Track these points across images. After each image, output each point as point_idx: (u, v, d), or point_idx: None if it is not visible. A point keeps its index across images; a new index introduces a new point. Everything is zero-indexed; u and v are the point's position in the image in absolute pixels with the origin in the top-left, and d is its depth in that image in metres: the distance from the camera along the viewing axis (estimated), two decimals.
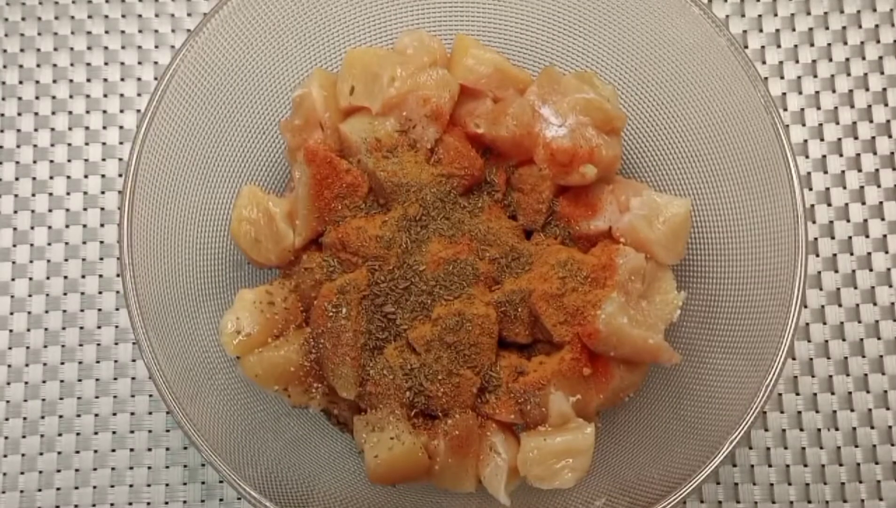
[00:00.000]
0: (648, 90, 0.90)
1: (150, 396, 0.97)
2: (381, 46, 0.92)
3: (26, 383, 0.98)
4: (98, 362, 0.98)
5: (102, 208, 1.01)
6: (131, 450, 0.96)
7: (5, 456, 0.96)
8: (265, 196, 0.86)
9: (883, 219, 1.00)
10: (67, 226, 1.01)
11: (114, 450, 0.96)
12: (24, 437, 0.97)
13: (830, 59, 1.04)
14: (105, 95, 1.03)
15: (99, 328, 0.99)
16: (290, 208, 0.86)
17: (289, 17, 0.88)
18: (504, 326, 0.83)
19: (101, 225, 1.01)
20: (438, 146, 0.84)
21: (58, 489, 0.96)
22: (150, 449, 0.96)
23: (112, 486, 0.96)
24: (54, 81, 1.04)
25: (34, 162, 1.02)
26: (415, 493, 0.86)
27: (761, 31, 1.05)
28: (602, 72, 0.91)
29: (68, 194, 1.01)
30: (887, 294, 0.99)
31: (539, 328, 0.83)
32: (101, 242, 1.01)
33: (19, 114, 1.03)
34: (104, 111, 1.03)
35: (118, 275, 1.00)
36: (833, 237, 1.00)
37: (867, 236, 1.00)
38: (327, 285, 0.82)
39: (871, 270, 0.99)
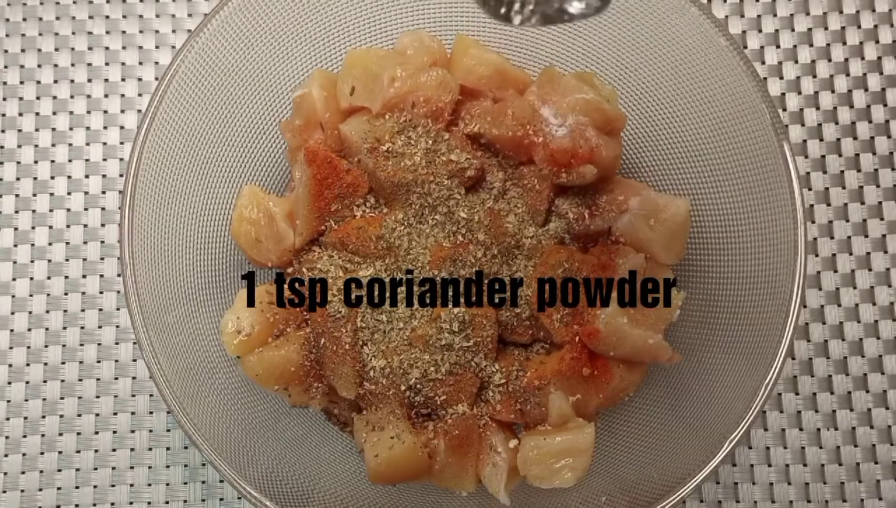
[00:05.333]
0: (648, 90, 0.90)
1: (151, 395, 0.98)
2: (382, 47, 0.92)
3: (27, 382, 0.98)
4: (99, 361, 0.98)
5: (103, 208, 1.02)
6: (132, 450, 0.97)
7: (6, 456, 0.96)
8: (265, 196, 0.86)
9: (882, 219, 1.01)
10: (68, 226, 1.01)
11: (114, 450, 0.97)
12: (24, 437, 0.97)
13: (829, 60, 1.04)
14: (106, 96, 1.04)
15: (99, 327, 0.99)
16: (291, 208, 0.86)
17: (289, 17, 0.88)
18: (504, 326, 0.83)
19: (102, 225, 1.01)
20: (439, 146, 0.84)
21: (59, 488, 0.96)
22: (150, 449, 0.97)
23: (113, 486, 0.96)
24: (55, 81, 1.04)
25: (35, 162, 1.02)
26: (415, 493, 0.86)
27: (761, 31, 1.05)
28: (602, 72, 0.91)
29: (69, 193, 1.02)
30: (886, 294, 0.99)
31: (539, 328, 0.84)
32: (102, 242, 1.01)
33: (20, 114, 1.03)
34: (105, 111, 1.03)
35: (119, 275, 1.00)
36: (832, 237, 1.00)
37: (866, 236, 1.00)
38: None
39: (870, 270, 1.00)
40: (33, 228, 1.01)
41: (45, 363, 0.98)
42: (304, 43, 0.90)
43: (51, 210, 1.01)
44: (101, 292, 1.00)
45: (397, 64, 0.85)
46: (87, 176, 1.02)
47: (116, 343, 0.99)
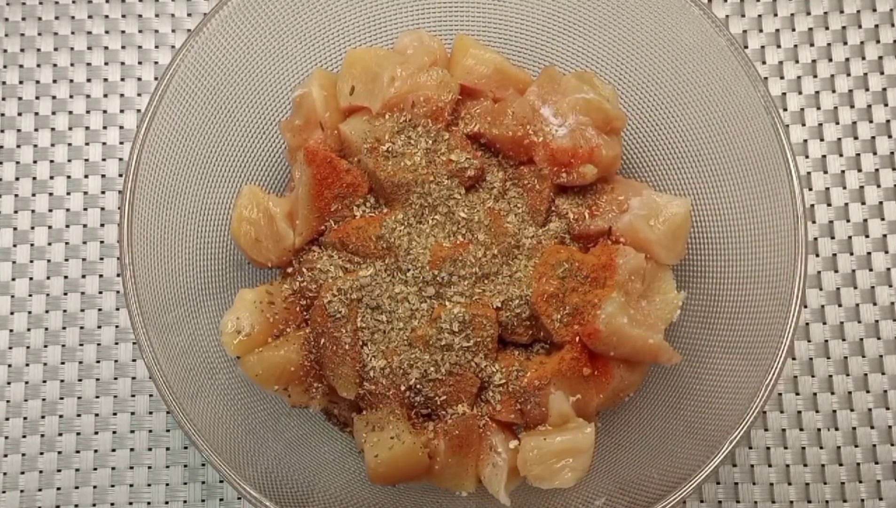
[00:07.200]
0: (648, 90, 0.90)
1: (151, 396, 0.97)
2: (382, 46, 0.92)
3: (27, 382, 0.98)
4: (98, 362, 0.98)
5: (102, 208, 1.01)
6: (131, 450, 0.96)
7: (6, 456, 0.96)
8: (265, 196, 0.86)
9: (883, 219, 1.00)
10: (68, 226, 1.01)
11: (114, 450, 0.96)
12: (24, 437, 0.97)
13: (830, 59, 1.04)
14: (105, 95, 1.04)
15: (99, 327, 0.99)
16: (291, 208, 0.86)
17: (289, 17, 0.88)
18: (504, 326, 0.83)
19: (102, 225, 1.01)
20: (438, 146, 0.84)
21: (58, 488, 0.96)
22: (150, 449, 0.96)
23: (112, 486, 0.96)
24: (54, 81, 1.04)
25: (34, 162, 1.02)
26: (415, 493, 0.86)
27: (761, 31, 1.05)
28: (602, 72, 0.91)
29: (68, 193, 1.02)
30: (887, 294, 0.99)
31: (539, 328, 0.84)
32: (102, 242, 1.01)
33: (19, 114, 1.03)
34: (104, 111, 1.03)
35: (118, 275, 1.00)
36: (833, 237, 1.00)
37: (867, 236, 1.00)
38: (327, 285, 0.82)
39: (870, 270, 1.00)
40: (32, 228, 1.01)
41: (45, 364, 0.98)
42: (304, 43, 0.90)
43: (50, 210, 1.01)
44: (101, 293, 1.00)
45: (397, 63, 0.85)
46: (86, 176, 1.02)
47: (116, 343, 0.99)
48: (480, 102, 0.87)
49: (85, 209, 1.01)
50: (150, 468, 0.96)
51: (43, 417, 0.97)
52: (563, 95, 0.86)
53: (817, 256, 1.00)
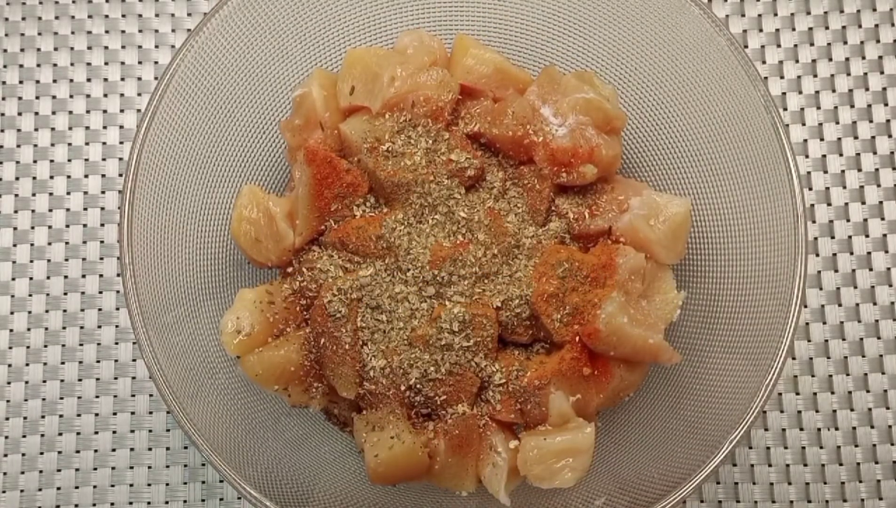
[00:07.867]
0: (648, 90, 0.90)
1: (151, 395, 0.97)
2: (381, 46, 0.92)
3: (27, 382, 0.98)
4: (98, 361, 0.98)
5: (102, 208, 1.01)
6: (132, 450, 0.97)
7: (6, 456, 0.96)
8: (265, 196, 0.86)
9: (883, 219, 1.00)
10: (68, 226, 1.01)
11: (114, 450, 0.96)
12: (24, 437, 0.97)
13: (830, 59, 1.04)
14: (105, 95, 1.03)
15: (99, 327, 0.99)
16: (291, 208, 0.86)
17: (289, 17, 0.88)
18: (504, 326, 0.83)
19: (102, 225, 1.01)
20: (438, 146, 0.84)
21: (58, 488, 0.96)
22: (150, 449, 0.96)
23: (112, 486, 0.96)
24: (54, 81, 1.04)
25: (34, 162, 1.02)
26: (415, 493, 0.86)
27: (761, 30, 1.05)
28: (602, 72, 0.91)
29: (68, 193, 1.02)
30: (887, 294, 0.99)
31: (539, 328, 0.84)
32: (102, 241, 1.01)
33: (19, 113, 1.03)
34: (104, 111, 1.03)
35: (118, 275, 1.00)
36: (833, 237, 1.00)
37: (867, 236, 1.00)
38: (327, 284, 0.82)
39: (870, 269, 1.00)
40: (33, 227, 1.01)
41: (45, 363, 0.98)
42: (304, 42, 0.90)
43: (50, 210, 1.01)
44: (101, 292, 1.00)
45: (397, 63, 0.85)
46: (86, 176, 1.02)
47: (116, 343, 0.99)
48: (480, 101, 0.87)
49: (85, 209, 1.01)
50: (150, 468, 0.96)
51: (43, 417, 0.97)
52: (563, 95, 0.86)
53: (817, 256, 1.00)
